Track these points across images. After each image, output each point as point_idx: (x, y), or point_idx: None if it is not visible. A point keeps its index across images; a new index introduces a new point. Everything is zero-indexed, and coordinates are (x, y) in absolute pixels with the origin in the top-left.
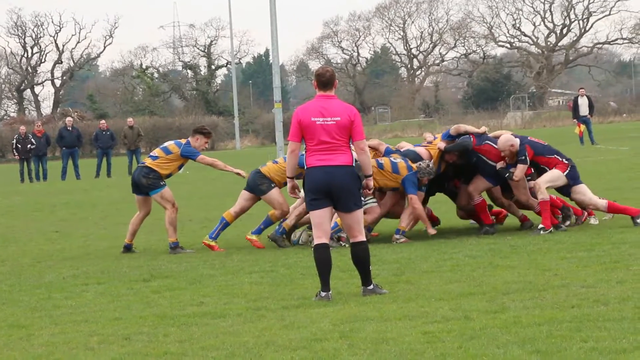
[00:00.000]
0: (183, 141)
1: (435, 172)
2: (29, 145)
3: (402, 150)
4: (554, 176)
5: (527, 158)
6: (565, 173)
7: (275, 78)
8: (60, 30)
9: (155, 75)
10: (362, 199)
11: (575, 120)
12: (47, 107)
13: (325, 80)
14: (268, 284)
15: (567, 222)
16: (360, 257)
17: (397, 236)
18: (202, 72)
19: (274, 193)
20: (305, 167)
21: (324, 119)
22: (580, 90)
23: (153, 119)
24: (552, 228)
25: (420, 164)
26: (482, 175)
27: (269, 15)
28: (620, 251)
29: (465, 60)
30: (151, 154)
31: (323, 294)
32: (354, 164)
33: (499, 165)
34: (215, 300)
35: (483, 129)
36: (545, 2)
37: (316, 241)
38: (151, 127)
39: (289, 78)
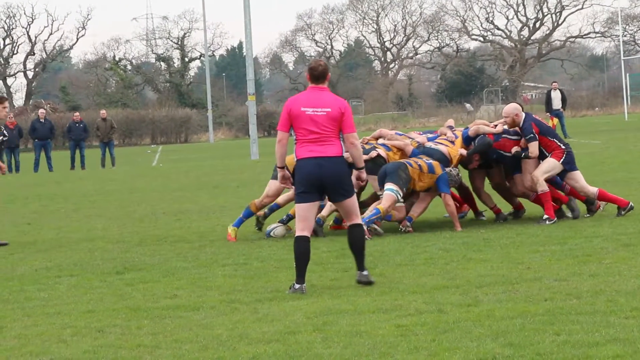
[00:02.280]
0: None
1: (459, 181)
2: (1, 137)
3: (424, 146)
4: (550, 166)
5: (536, 135)
6: (562, 160)
7: (249, 71)
8: (32, 21)
9: (128, 67)
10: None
11: (548, 113)
12: (19, 99)
13: (317, 74)
14: (242, 276)
15: (574, 213)
16: (357, 240)
17: (409, 223)
18: (175, 65)
19: (271, 183)
20: (295, 159)
21: (314, 109)
22: (553, 83)
23: (126, 111)
24: (555, 218)
25: (451, 171)
26: (508, 169)
27: (242, 8)
28: (592, 245)
29: (439, 53)
30: None
31: (297, 286)
32: (343, 155)
33: (514, 149)
34: (189, 292)
35: (499, 128)
36: None
37: (298, 233)
38: (124, 119)
39: (262, 71)
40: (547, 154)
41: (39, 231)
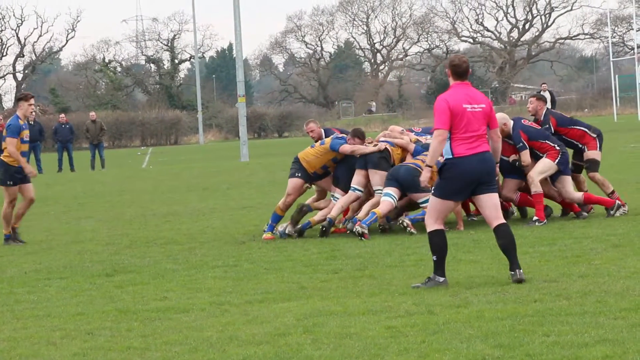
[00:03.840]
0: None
1: None
2: None
3: (422, 142)
4: (546, 166)
5: (525, 143)
6: (557, 161)
7: (239, 72)
8: (22, 23)
9: (118, 69)
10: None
11: None
12: (8, 101)
13: (462, 71)
14: (231, 278)
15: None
16: (509, 239)
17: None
18: (165, 66)
19: (290, 181)
20: (453, 156)
21: (472, 106)
22: (543, 85)
23: (116, 113)
24: (545, 220)
25: None
26: (506, 173)
27: (232, 10)
28: (581, 246)
29: (429, 55)
30: None
31: (441, 279)
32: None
33: (512, 157)
34: (179, 295)
35: None
36: None
37: (437, 227)
38: (114, 121)
39: (252, 72)
40: (542, 155)
41: (29, 233)
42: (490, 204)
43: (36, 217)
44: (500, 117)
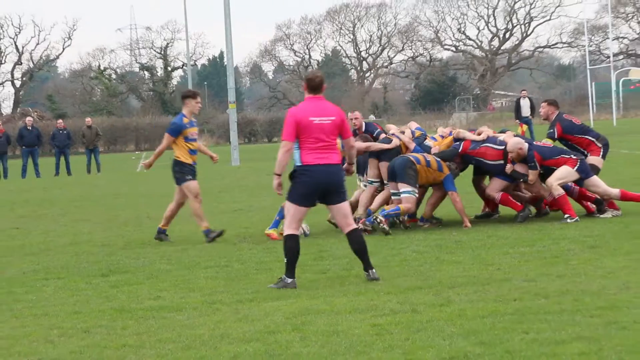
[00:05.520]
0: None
1: (458, 174)
2: None
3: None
4: (564, 173)
5: (537, 163)
6: (576, 168)
7: (230, 79)
8: (19, 32)
9: (113, 76)
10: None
11: (517, 120)
12: (7, 107)
13: (315, 85)
14: (223, 278)
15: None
16: (360, 243)
17: (421, 223)
18: (158, 74)
19: None
20: (301, 164)
21: (320, 118)
22: (522, 92)
23: (111, 118)
24: (577, 217)
25: (450, 165)
26: (493, 175)
27: (223, 19)
28: (559, 247)
29: (413, 62)
30: None
31: (289, 280)
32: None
33: (508, 168)
34: (172, 294)
35: (483, 136)
36: (489, 7)
37: (290, 232)
38: (109, 126)
39: (243, 80)
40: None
41: (27, 235)
42: (340, 213)
43: (34, 219)
44: (516, 142)
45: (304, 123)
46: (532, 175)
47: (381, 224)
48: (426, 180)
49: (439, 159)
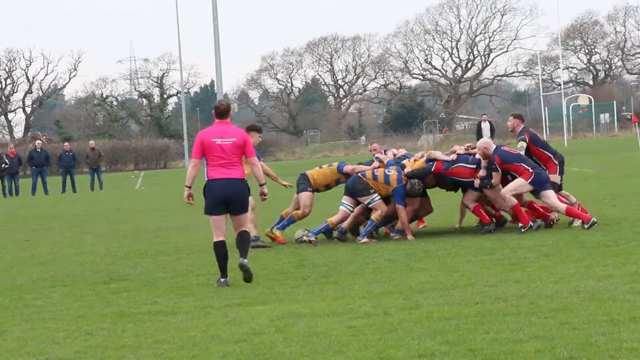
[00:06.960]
0: None
1: (420, 192)
2: (2, 165)
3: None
4: (517, 185)
5: (497, 166)
6: (529, 181)
7: None
8: (30, 64)
9: (114, 103)
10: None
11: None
12: (19, 132)
13: (221, 111)
14: (213, 285)
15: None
16: (244, 240)
17: (392, 234)
18: (155, 101)
19: (305, 195)
20: (207, 179)
21: (222, 139)
22: (483, 116)
23: (112, 141)
24: (530, 223)
25: (413, 182)
26: (471, 187)
27: (214, 51)
28: (517, 255)
29: (385, 90)
30: None
31: (222, 280)
32: (245, 178)
33: (476, 182)
34: (167, 299)
35: (452, 157)
36: (453, 40)
37: (216, 239)
38: (110, 148)
39: (231, 105)
40: (517, 177)
41: (36, 247)
42: (236, 223)
43: (43, 232)
44: (484, 142)
45: (207, 143)
46: (495, 177)
47: (309, 240)
48: (379, 192)
49: (388, 174)
